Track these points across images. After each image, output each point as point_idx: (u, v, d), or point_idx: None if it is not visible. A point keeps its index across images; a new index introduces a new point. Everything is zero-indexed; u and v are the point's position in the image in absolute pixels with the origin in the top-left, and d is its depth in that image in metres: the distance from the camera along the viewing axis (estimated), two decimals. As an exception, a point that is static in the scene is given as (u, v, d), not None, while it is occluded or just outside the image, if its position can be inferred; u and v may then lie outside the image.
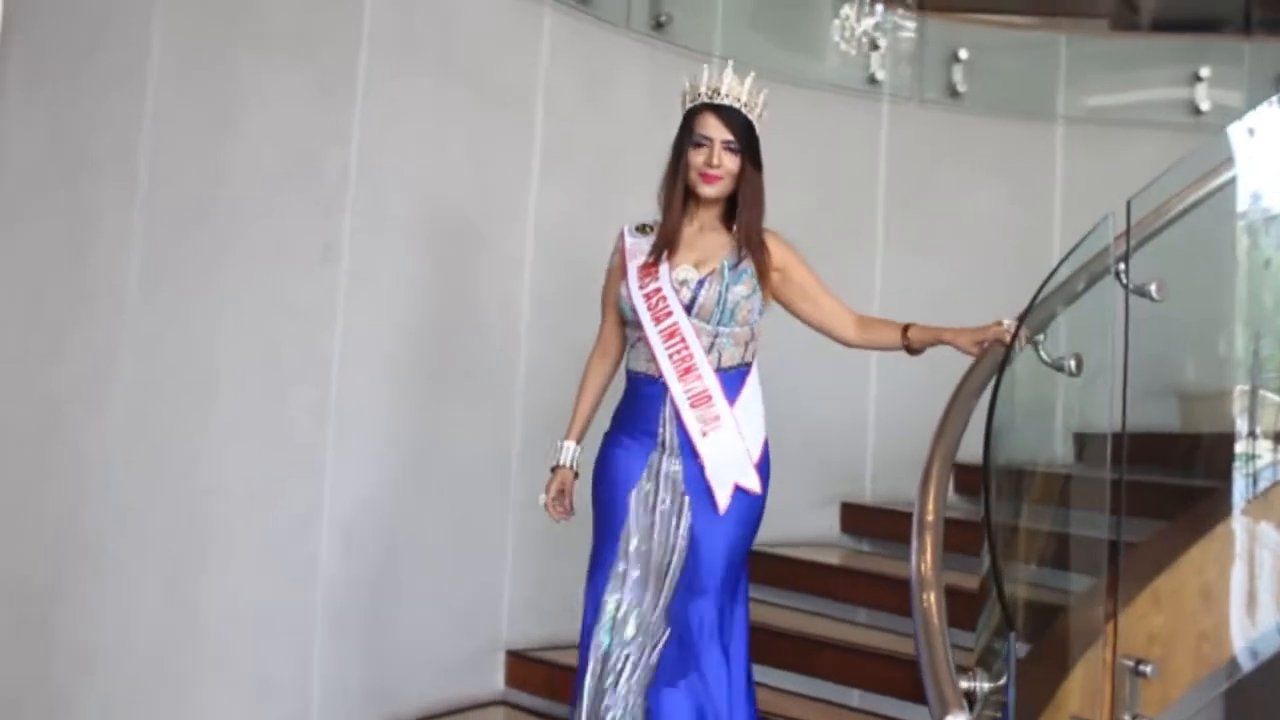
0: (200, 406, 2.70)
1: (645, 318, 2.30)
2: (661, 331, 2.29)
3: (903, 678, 2.78)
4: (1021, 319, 2.24)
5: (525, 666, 3.21)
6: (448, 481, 3.10)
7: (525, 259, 3.31)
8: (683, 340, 2.29)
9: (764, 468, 2.35)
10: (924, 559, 1.77)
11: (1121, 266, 2.50)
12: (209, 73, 2.61)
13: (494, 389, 3.23)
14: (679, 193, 2.34)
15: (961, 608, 1.77)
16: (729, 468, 2.29)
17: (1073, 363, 2.31)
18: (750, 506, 2.33)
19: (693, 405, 2.28)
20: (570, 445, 2.44)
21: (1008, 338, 2.21)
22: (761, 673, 2.58)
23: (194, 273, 2.67)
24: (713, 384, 2.28)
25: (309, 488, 2.84)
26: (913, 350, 2.36)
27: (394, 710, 2.93)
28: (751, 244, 2.34)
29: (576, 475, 2.45)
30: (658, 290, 2.30)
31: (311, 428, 2.85)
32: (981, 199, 4.07)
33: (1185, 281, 2.69)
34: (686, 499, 2.31)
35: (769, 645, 2.92)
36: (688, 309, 2.30)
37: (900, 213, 4.05)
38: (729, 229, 2.38)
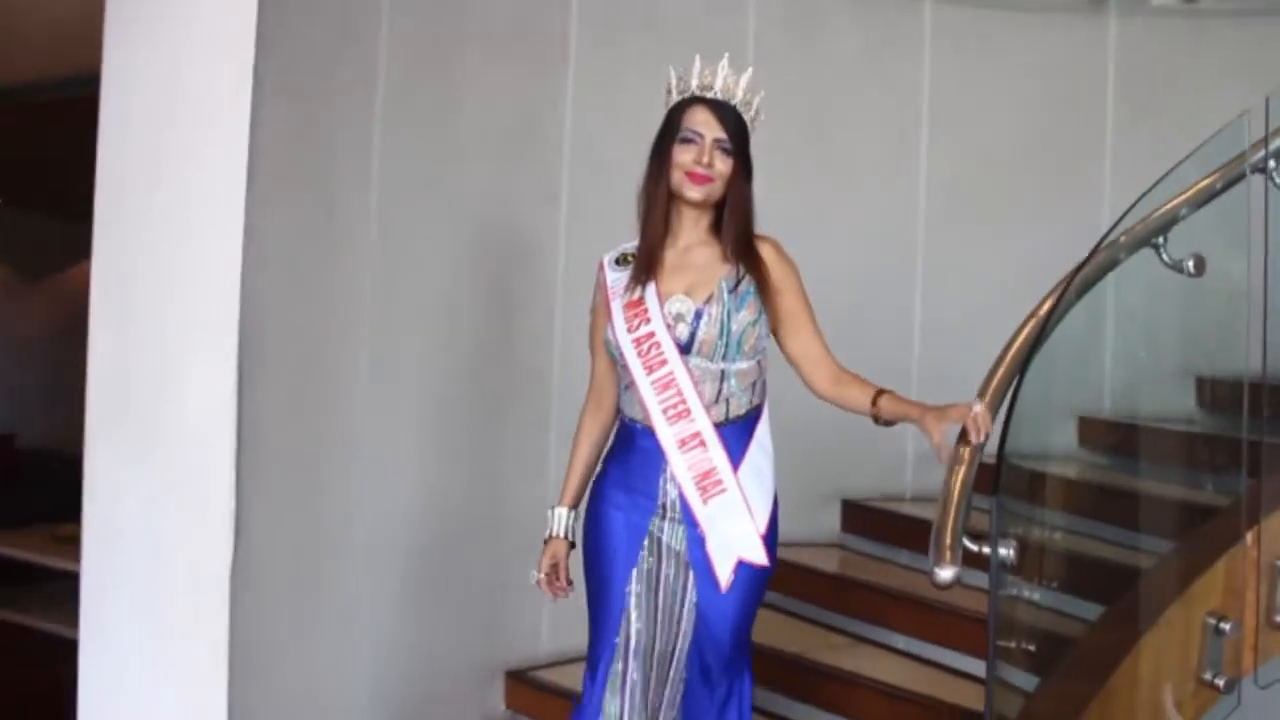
0: (442, 338, 3.20)
1: (635, 367, 2.02)
2: (655, 383, 2.00)
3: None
4: (984, 394, 2.08)
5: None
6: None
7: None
8: (679, 394, 2.00)
9: (771, 538, 2.08)
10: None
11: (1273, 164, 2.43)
12: (434, 64, 3.15)
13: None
14: (661, 201, 2.05)
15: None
16: (733, 542, 2.03)
17: (1191, 264, 2.33)
18: (756, 580, 2.08)
19: (689, 470, 2.01)
20: (563, 513, 2.18)
21: (974, 422, 1.89)
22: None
23: (426, 233, 3.13)
24: (716, 450, 2.00)
25: (539, 400, 3.39)
26: (879, 421, 2.03)
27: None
28: (742, 254, 2.05)
29: (572, 545, 2.20)
30: (650, 336, 2.00)
31: (538, 348, 3.39)
32: (1225, 108, 3.86)
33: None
34: (691, 573, 2.07)
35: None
36: (685, 347, 2.02)
37: (1130, 134, 3.95)
38: (718, 242, 2.09)
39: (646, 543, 2.08)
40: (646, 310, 2.03)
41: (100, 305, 2.76)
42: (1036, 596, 2.27)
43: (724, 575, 2.04)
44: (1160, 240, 2.38)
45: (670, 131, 2.04)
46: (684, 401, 2.00)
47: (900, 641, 3.19)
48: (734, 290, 2.03)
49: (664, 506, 2.07)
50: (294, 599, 2.81)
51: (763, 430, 2.08)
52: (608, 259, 2.15)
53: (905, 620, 3.19)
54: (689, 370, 2.01)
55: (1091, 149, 3.98)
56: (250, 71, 2.55)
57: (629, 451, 2.11)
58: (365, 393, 2.97)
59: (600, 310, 2.14)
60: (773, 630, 3.04)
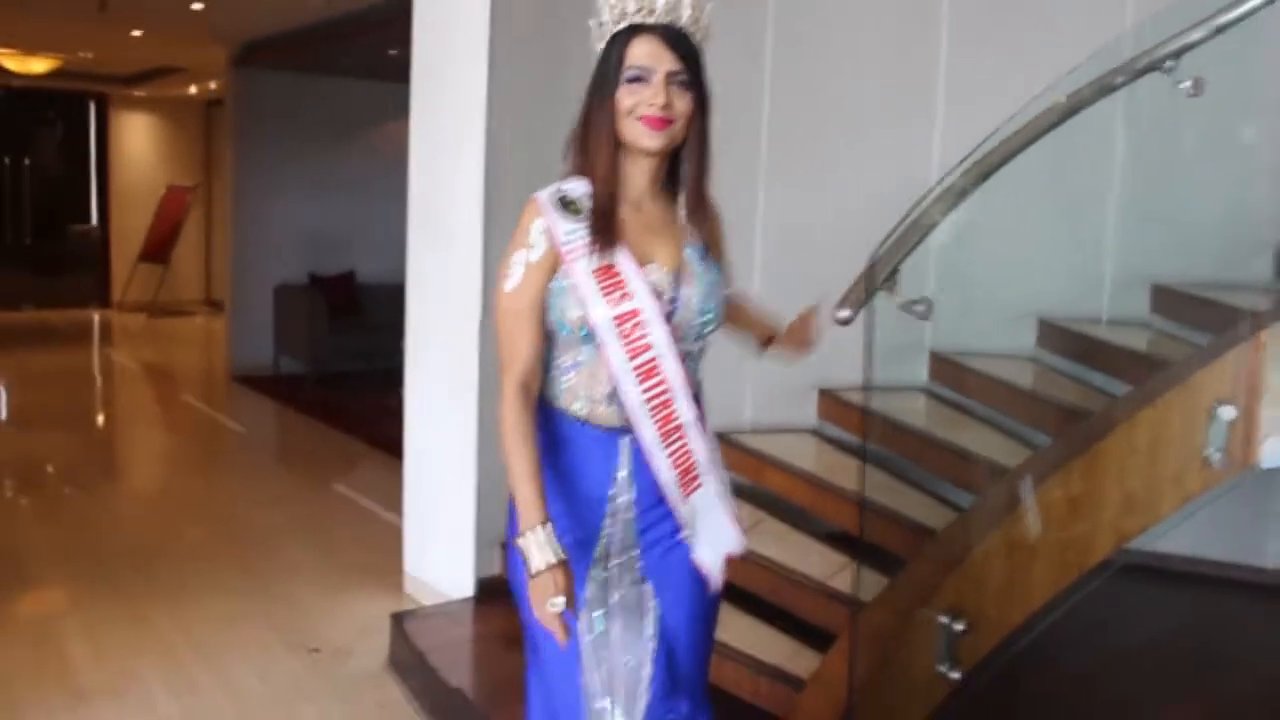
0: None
1: (616, 350, 1.67)
2: (638, 369, 1.68)
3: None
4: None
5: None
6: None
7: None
8: (664, 381, 1.70)
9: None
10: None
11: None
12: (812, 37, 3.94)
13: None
14: (606, 150, 1.68)
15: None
16: (718, 538, 1.79)
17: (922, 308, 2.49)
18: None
19: (674, 467, 1.73)
20: (543, 532, 1.60)
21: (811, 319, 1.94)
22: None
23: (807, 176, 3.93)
24: (698, 441, 1.75)
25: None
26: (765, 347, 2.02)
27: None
28: (702, 212, 1.77)
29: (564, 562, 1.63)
30: (633, 315, 1.66)
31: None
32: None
33: None
34: (648, 588, 1.78)
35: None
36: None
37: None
38: (673, 196, 1.78)
39: (593, 570, 1.76)
40: (623, 281, 1.66)
41: (416, 152, 3.99)
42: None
43: (716, 576, 1.80)
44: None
45: (612, 69, 1.67)
46: (670, 390, 1.70)
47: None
48: (705, 258, 1.77)
49: (614, 516, 1.75)
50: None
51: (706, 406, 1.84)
52: (546, 198, 1.70)
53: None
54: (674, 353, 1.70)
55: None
56: None
57: (567, 456, 1.74)
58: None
59: (541, 266, 1.68)
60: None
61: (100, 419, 7.72)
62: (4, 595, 4.00)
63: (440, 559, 3.91)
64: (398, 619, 3.56)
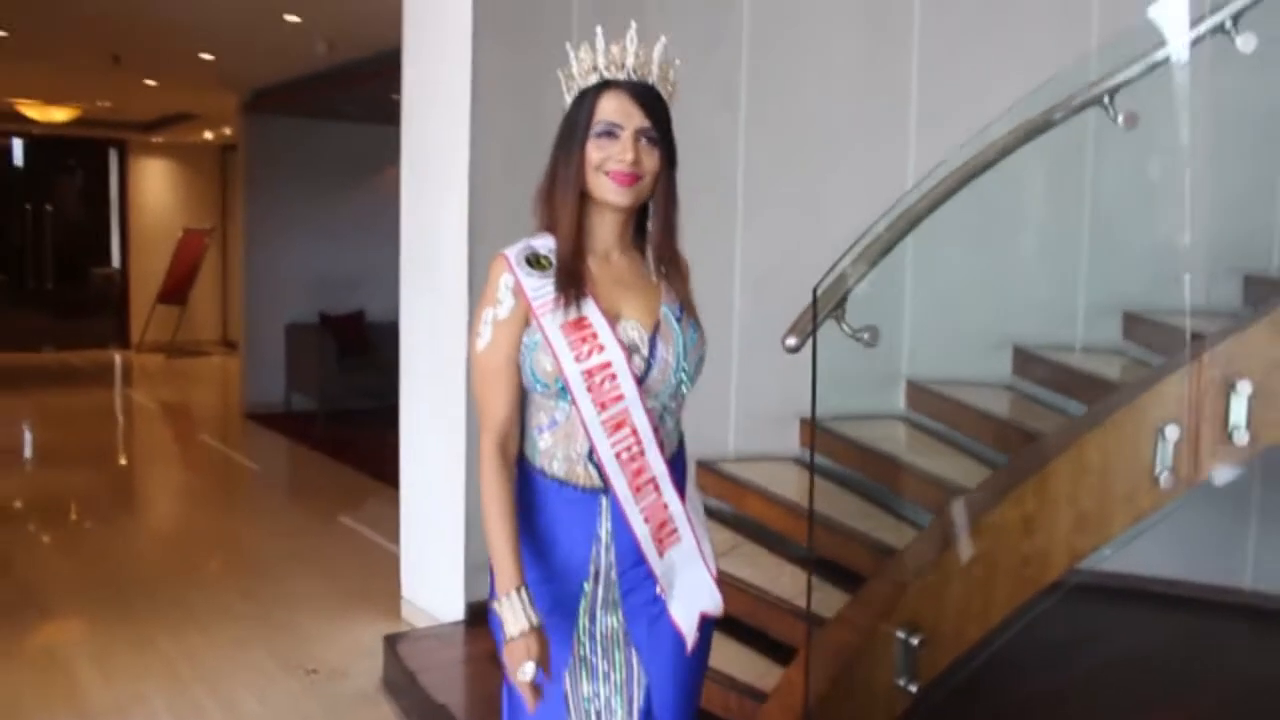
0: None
1: (586, 404, 1.66)
2: (606, 423, 1.67)
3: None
4: None
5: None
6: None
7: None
8: (634, 434, 1.68)
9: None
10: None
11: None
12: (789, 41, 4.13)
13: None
14: (571, 204, 1.69)
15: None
16: (694, 595, 1.77)
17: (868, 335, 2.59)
18: (708, 632, 1.83)
19: (646, 522, 1.71)
20: (518, 598, 1.62)
21: None
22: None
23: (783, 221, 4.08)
24: (670, 494, 1.73)
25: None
26: None
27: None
28: (673, 267, 1.78)
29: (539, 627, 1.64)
30: (604, 367, 1.65)
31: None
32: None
33: None
34: (636, 656, 1.76)
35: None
36: (639, 382, 1.69)
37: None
38: (641, 251, 1.79)
39: (577, 631, 1.74)
40: (595, 334, 1.66)
41: (406, 193, 4.20)
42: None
43: (690, 635, 1.76)
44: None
45: (581, 123, 1.68)
46: (639, 442, 1.68)
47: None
48: (681, 318, 1.75)
49: (596, 577, 1.73)
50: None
51: (690, 462, 1.83)
52: (513, 256, 1.71)
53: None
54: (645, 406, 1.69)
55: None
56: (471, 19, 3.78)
57: (546, 514, 1.72)
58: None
59: (511, 323, 1.69)
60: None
61: (119, 456, 7.93)
62: (18, 621, 4.18)
63: (433, 584, 4.07)
64: (390, 641, 3.72)
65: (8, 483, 6.72)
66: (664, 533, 1.73)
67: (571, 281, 1.69)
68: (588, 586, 1.74)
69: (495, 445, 1.69)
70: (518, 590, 1.62)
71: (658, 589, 1.75)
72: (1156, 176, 3.55)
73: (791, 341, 2.59)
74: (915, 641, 2.79)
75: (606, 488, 1.71)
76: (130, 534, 5.74)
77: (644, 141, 1.68)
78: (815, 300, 2.63)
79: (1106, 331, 4.00)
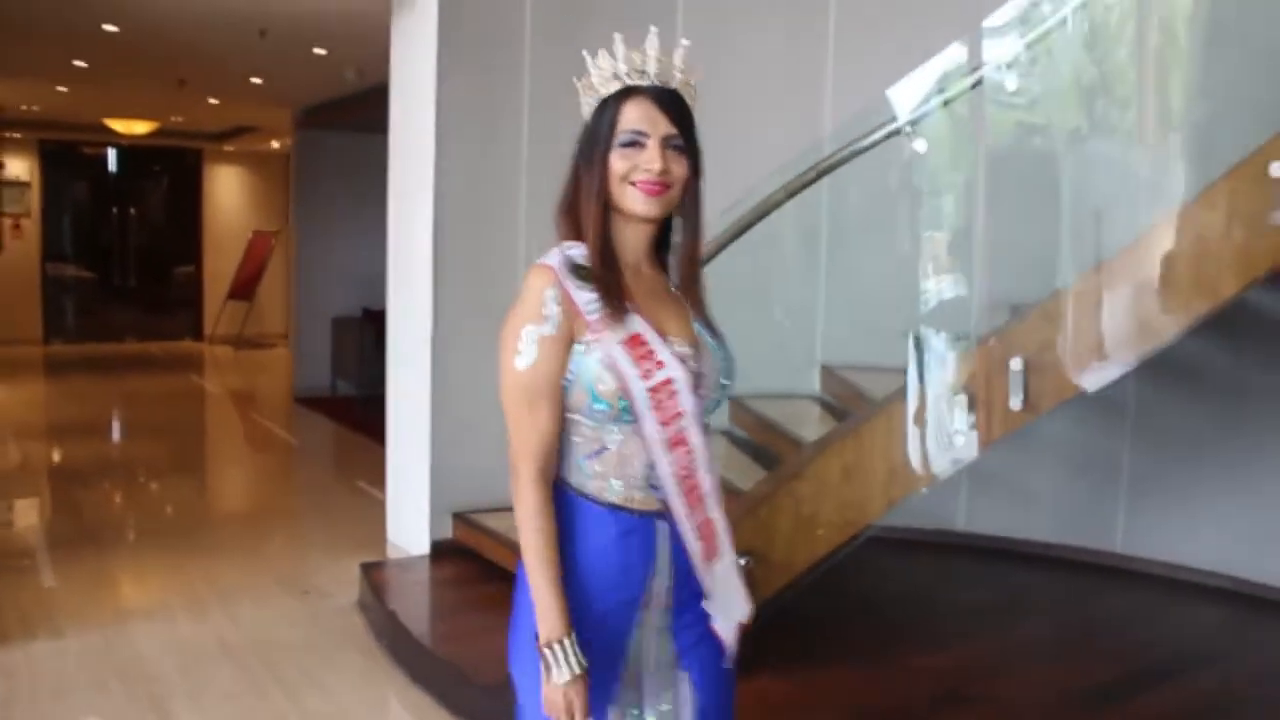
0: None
1: (651, 423, 1.59)
2: (667, 442, 1.61)
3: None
4: None
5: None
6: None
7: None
8: (689, 451, 1.63)
9: None
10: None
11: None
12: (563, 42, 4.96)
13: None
14: (596, 215, 1.62)
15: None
16: (733, 607, 1.73)
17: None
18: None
19: (699, 539, 1.66)
20: (569, 643, 1.54)
21: None
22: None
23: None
24: (716, 509, 1.68)
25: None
26: None
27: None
28: (696, 285, 1.71)
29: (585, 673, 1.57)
30: (667, 384, 1.59)
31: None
32: None
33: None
34: (687, 679, 1.71)
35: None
36: None
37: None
38: (663, 264, 1.72)
39: (626, 659, 1.66)
40: (652, 350, 1.59)
41: (392, 204, 5.09)
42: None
43: (732, 646, 1.74)
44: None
45: (602, 134, 1.61)
46: (693, 459, 1.63)
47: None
48: (712, 332, 1.71)
49: (648, 604, 1.66)
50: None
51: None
52: (556, 263, 1.61)
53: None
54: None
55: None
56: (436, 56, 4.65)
57: (598, 549, 1.62)
58: (522, 261, 4.97)
59: (559, 340, 1.57)
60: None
61: (182, 432, 9.02)
62: (78, 552, 5.16)
63: (408, 526, 4.95)
64: (365, 568, 4.59)
65: (90, 450, 7.86)
66: (711, 548, 1.67)
67: (616, 294, 1.59)
68: (640, 615, 1.65)
69: (537, 472, 1.57)
70: (568, 635, 1.54)
71: (704, 604, 1.70)
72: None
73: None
74: (742, 561, 3.56)
75: (662, 510, 1.64)
76: (180, 491, 6.79)
77: (671, 149, 1.61)
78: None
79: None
